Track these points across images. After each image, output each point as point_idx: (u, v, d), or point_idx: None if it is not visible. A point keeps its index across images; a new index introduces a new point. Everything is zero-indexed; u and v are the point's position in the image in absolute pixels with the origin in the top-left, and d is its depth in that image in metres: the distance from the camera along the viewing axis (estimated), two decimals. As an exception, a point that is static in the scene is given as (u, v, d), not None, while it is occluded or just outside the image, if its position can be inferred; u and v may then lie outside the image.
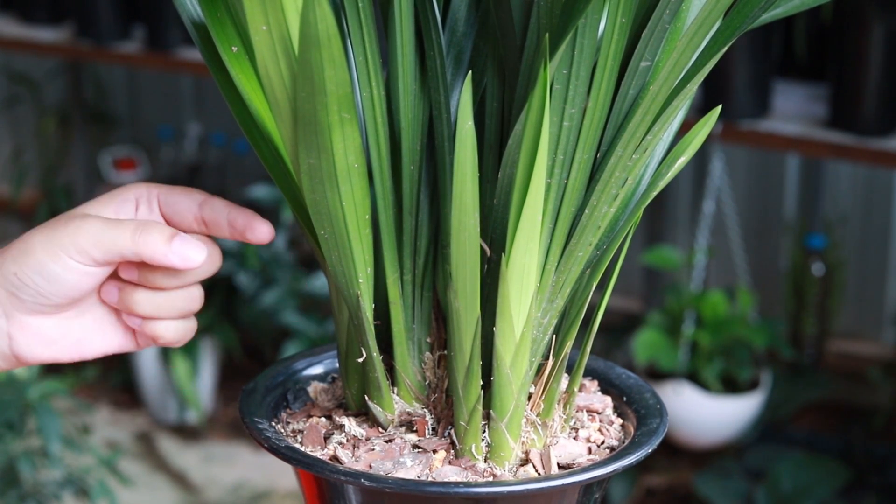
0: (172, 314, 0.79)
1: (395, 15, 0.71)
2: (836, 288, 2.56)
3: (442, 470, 0.73)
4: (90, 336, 0.80)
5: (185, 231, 0.78)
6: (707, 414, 2.34)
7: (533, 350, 0.73)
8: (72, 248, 0.75)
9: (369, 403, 0.76)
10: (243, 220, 0.78)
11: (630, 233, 0.75)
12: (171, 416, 2.86)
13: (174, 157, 3.24)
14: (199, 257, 0.76)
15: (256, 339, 2.91)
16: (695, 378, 2.36)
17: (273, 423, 0.78)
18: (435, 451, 0.74)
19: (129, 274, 0.79)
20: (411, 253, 0.75)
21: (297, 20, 0.63)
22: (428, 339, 0.77)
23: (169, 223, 0.80)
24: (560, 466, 0.74)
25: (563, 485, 0.71)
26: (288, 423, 0.79)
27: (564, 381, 0.77)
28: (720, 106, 0.77)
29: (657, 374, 2.38)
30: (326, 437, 0.76)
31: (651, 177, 0.75)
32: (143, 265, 0.78)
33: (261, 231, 0.79)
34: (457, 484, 0.71)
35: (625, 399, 0.80)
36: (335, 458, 0.74)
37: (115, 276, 0.79)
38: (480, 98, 0.73)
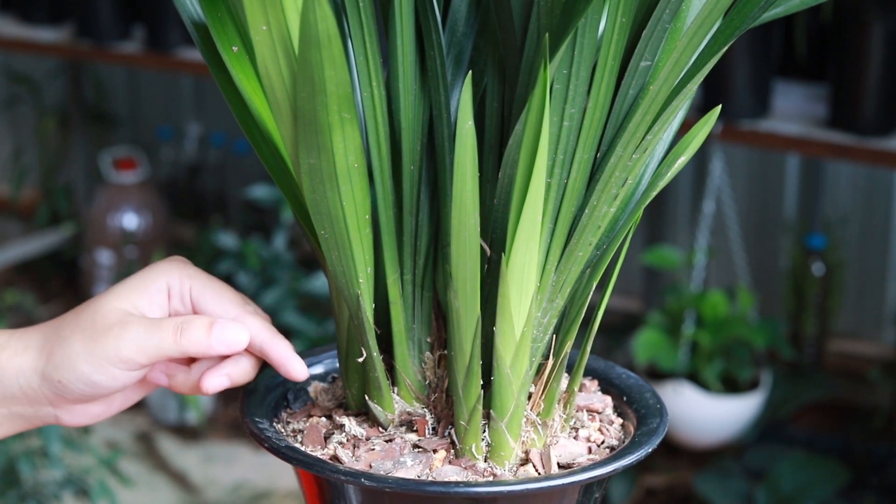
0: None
1: (396, 15, 0.71)
2: (836, 288, 2.56)
3: (442, 470, 0.73)
4: (130, 396, 0.83)
5: None
6: (707, 414, 2.34)
7: (533, 350, 0.73)
8: (116, 359, 0.76)
9: (369, 403, 0.76)
10: (277, 357, 0.79)
11: (630, 233, 0.75)
12: (171, 416, 2.86)
13: (174, 157, 3.23)
14: (242, 339, 0.78)
15: (256, 339, 2.90)
16: (695, 378, 2.36)
17: (273, 423, 0.78)
18: (435, 451, 0.74)
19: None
20: (411, 253, 0.75)
21: (298, 20, 0.63)
22: (428, 339, 0.77)
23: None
24: (560, 466, 0.74)
25: (563, 484, 0.71)
26: (288, 422, 0.79)
27: (564, 381, 0.77)
28: (720, 106, 0.77)
29: (657, 374, 2.38)
30: (326, 437, 0.76)
31: (651, 177, 0.75)
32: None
33: (295, 371, 0.79)
34: (457, 483, 0.70)
35: (625, 399, 0.80)
36: (335, 457, 0.74)
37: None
38: (480, 98, 0.73)
